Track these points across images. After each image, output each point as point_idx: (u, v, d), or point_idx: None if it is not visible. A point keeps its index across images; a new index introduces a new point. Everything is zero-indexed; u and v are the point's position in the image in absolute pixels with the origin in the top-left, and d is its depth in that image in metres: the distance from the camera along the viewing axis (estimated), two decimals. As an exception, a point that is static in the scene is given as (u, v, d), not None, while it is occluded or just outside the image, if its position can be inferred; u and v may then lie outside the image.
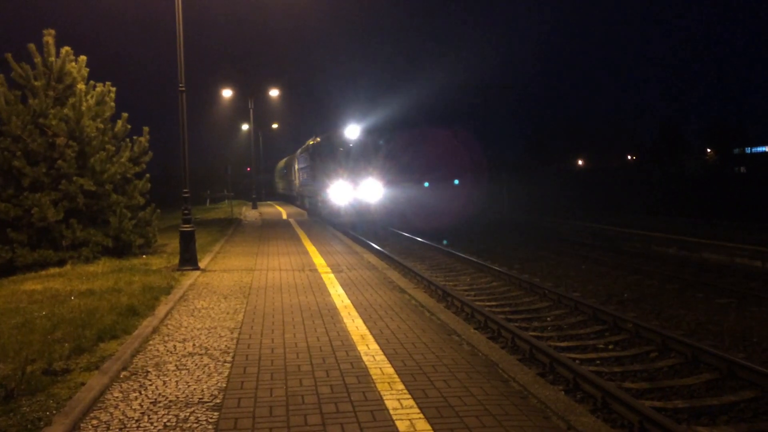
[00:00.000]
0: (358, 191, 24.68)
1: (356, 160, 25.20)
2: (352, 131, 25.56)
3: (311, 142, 27.75)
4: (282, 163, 53.46)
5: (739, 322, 8.99)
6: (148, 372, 5.88)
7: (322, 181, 25.52)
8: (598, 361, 7.76)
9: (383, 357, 6.16)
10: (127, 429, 4.55)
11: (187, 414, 4.79)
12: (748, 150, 72.91)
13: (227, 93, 40.05)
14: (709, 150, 77.30)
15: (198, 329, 7.54)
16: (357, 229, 23.65)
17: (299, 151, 34.69)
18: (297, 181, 38.40)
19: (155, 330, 7.51)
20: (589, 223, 22.50)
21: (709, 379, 6.79)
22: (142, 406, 4.99)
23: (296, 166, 37.34)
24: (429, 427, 4.43)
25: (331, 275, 11.43)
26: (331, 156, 25.51)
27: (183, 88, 12.85)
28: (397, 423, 4.50)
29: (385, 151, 26.10)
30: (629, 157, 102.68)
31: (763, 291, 10.82)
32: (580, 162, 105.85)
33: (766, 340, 8.11)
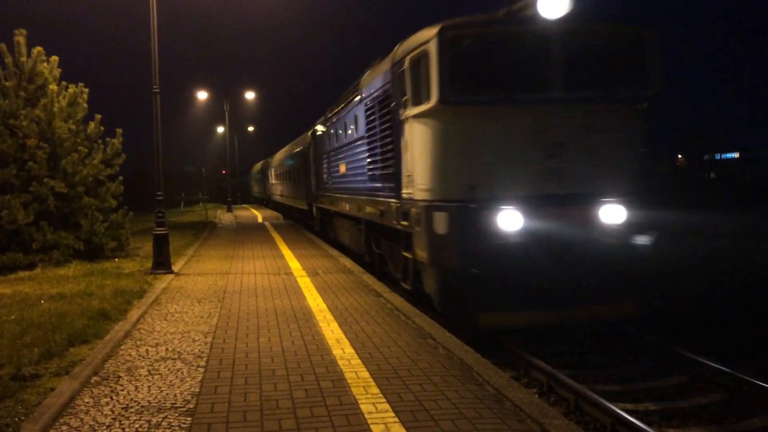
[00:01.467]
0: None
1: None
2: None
3: (402, 48, 8.82)
4: (259, 165, 52.82)
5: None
6: (119, 377, 5.79)
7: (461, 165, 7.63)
8: (572, 365, 7.81)
9: (358, 361, 6.15)
10: (97, 435, 4.48)
11: (160, 419, 4.72)
12: (717, 156, 74.13)
13: (203, 95, 39.84)
14: (680, 156, 78.48)
15: (171, 333, 7.46)
16: None
17: (338, 106, 14.65)
18: (312, 182, 19.90)
19: (127, 334, 7.41)
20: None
21: (680, 382, 6.88)
22: (113, 411, 4.91)
23: (310, 155, 20.38)
24: (404, 431, 4.43)
25: (307, 279, 11.38)
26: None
27: (157, 90, 12.73)
28: (372, 427, 4.50)
29: None
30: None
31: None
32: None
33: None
